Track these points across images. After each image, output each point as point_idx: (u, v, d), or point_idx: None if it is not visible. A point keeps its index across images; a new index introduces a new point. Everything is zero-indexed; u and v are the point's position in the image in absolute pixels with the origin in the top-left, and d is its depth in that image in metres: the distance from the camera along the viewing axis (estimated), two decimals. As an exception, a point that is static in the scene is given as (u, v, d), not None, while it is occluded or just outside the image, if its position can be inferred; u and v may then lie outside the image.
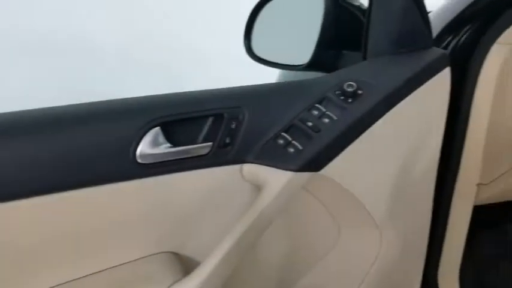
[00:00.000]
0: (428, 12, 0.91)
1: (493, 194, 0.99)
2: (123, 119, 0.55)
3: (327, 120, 0.62)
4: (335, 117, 0.62)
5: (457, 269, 1.07)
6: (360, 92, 0.64)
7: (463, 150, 0.91)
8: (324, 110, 0.63)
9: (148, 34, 2.49)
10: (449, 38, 0.87)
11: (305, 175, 0.60)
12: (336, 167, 0.64)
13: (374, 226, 0.75)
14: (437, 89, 0.73)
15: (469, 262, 1.31)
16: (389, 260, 0.78)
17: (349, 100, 0.64)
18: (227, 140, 0.58)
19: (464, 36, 0.85)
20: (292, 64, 0.83)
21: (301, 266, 0.78)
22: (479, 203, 1.04)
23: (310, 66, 0.80)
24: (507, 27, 0.80)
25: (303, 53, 0.80)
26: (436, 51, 0.71)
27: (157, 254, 0.60)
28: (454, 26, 0.85)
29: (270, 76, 1.21)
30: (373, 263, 0.76)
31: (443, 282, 1.05)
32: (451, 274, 1.07)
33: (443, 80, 0.73)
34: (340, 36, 0.80)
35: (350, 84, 0.64)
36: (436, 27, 0.88)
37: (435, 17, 0.89)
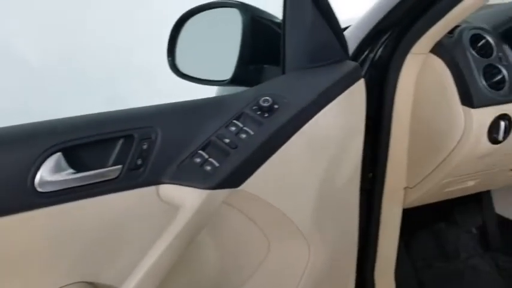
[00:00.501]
0: (347, 27, 0.95)
1: (419, 196, 1.03)
2: (19, 146, 0.52)
3: (244, 135, 0.62)
4: (252, 133, 0.62)
5: (392, 269, 1.11)
6: (276, 106, 0.65)
7: (388, 157, 0.95)
8: (241, 125, 0.63)
9: (90, 49, 2.41)
10: (367, 51, 0.91)
11: (223, 192, 0.60)
12: (257, 182, 0.64)
13: (302, 238, 0.76)
14: (353, 99, 0.75)
15: (406, 262, 1.37)
16: (319, 269, 0.79)
17: (266, 115, 0.64)
18: (138, 162, 0.56)
19: (381, 48, 0.89)
20: (216, 80, 0.83)
21: (233, 282, 0.78)
22: (408, 205, 1.08)
23: (233, 81, 0.80)
24: (419, 37, 0.84)
25: (226, 69, 0.80)
26: (350, 64, 0.74)
27: (70, 285, 0.57)
28: (371, 38, 0.89)
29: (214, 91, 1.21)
30: (302, 274, 0.77)
31: (380, 282, 1.08)
32: (387, 275, 1.10)
33: (358, 91, 0.75)
34: (261, 50, 0.81)
35: (266, 99, 0.65)
36: (355, 41, 0.91)
37: (353, 31, 0.92)
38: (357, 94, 0.75)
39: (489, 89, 0.86)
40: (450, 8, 0.78)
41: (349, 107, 0.75)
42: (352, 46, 0.91)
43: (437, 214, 1.49)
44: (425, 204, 1.18)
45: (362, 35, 0.90)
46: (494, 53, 0.89)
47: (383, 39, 0.89)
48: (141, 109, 0.59)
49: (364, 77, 0.92)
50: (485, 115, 0.85)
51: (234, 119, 0.64)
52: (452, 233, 1.47)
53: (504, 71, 0.88)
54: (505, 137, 0.87)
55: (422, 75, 0.90)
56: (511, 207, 1.47)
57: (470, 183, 1.05)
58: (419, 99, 0.91)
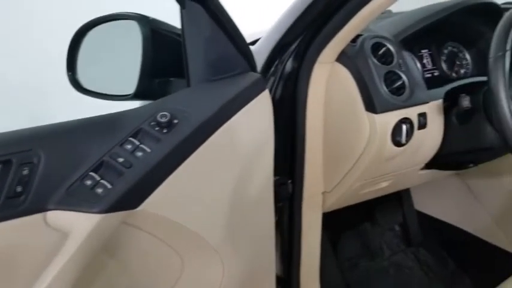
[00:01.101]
0: (257, 39, 0.96)
1: (337, 200, 1.06)
2: None
3: (140, 153, 0.60)
4: (149, 150, 0.60)
5: (317, 273, 1.12)
6: (175, 121, 0.64)
7: (304, 164, 0.96)
8: (137, 143, 0.61)
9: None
10: (277, 62, 0.92)
11: (118, 215, 0.57)
12: (159, 200, 0.62)
13: (214, 253, 0.75)
14: (259, 110, 0.75)
15: (333, 264, 1.40)
16: (235, 282, 0.79)
17: (165, 130, 0.63)
18: (18, 189, 0.52)
19: (290, 59, 0.91)
20: (120, 94, 0.80)
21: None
22: (327, 209, 1.11)
23: (138, 96, 0.78)
24: (324, 47, 0.86)
25: (130, 83, 0.78)
26: (253, 76, 0.74)
27: None
28: (279, 50, 0.90)
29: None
30: None
31: (306, 287, 1.09)
32: (313, 279, 1.12)
33: (263, 102, 0.76)
34: (165, 63, 0.79)
35: (163, 114, 0.63)
36: (265, 53, 0.92)
37: (263, 43, 0.93)
38: (262, 105, 0.76)
39: (390, 95, 0.90)
40: (349, 18, 0.80)
41: (255, 118, 0.75)
42: (262, 58, 0.92)
43: (363, 214, 1.55)
44: (351, 205, 1.22)
45: (270, 46, 0.91)
46: (395, 60, 0.93)
47: (290, 50, 0.90)
48: (21, 131, 0.55)
49: (276, 88, 0.94)
50: (388, 120, 0.89)
51: (131, 137, 0.62)
52: (376, 232, 1.53)
53: (404, 77, 0.92)
54: (407, 140, 0.91)
55: (329, 84, 0.93)
56: (429, 203, 1.55)
57: (384, 184, 1.10)
58: (329, 107, 0.94)
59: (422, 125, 0.94)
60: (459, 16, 1.05)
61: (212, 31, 0.68)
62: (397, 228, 1.57)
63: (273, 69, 0.92)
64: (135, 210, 0.59)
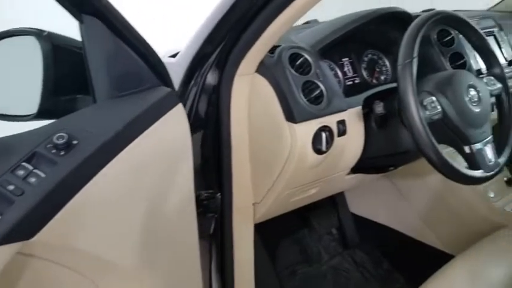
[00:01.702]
0: (176, 53, 0.94)
1: (268, 210, 1.05)
2: None
3: (33, 179, 0.56)
4: (43, 175, 0.56)
5: (251, 285, 1.11)
6: (74, 142, 0.60)
7: (232, 176, 0.95)
8: (31, 168, 0.57)
9: None
10: (196, 75, 0.90)
11: (9, 247, 0.53)
12: (59, 228, 0.58)
13: (132, 275, 0.71)
14: (172, 125, 0.73)
15: (271, 273, 1.39)
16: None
17: (62, 153, 0.59)
18: None
19: (209, 71, 0.89)
20: (22, 115, 0.75)
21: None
22: (259, 220, 1.10)
23: (42, 115, 0.73)
24: (242, 58, 0.86)
25: (33, 101, 0.73)
26: (162, 90, 0.72)
27: None
28: (198, 63, 0.89)
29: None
30: None
31: None
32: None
33: (176, 117, 0.74)
34: (70, 80, 0.75)
35: (60, 135, 0.59)
36: (184, 66, 0.90)
37: (182, 56, 0.91)
38: (175, 120, 0.74)
39: (309, 104, 0.91)
40: (263, 28, 0.80)
41: (169, 134, 0.73)
42: (182, 71, 0.90)
43: (300, 221, 1.56)
44: (288, 213, 1.23)
45: (189, 58, 0.89)
46: (313, 70, 0.95)
47: (210, 62, 0.89)
48: None
49: (198, 101, 0.92)
50: (308, 129, 0.90)
51: (24, 161, 0.57)
52: (314, 237, 1.55)
53: (322, 86, 0.94)
54: (328, 147, 0.92)
55: (251, 95, 0.92)
56: (363, 205, 1.59)
57: (313, 191, 1.11)
58: (252, 119, 0.94)
59: (342, 132, 0.95)
60: (375, 25, 1.09)
61: (114, 45, 0.66)
62: (334, 231, 1.60)
63: (193, 82, 0.91)
64: (30, 240, 0.55)
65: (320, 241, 1.54)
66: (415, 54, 0.88)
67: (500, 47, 1.31)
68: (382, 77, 1.19)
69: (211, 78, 0.89)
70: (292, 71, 0.92)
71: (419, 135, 0.84)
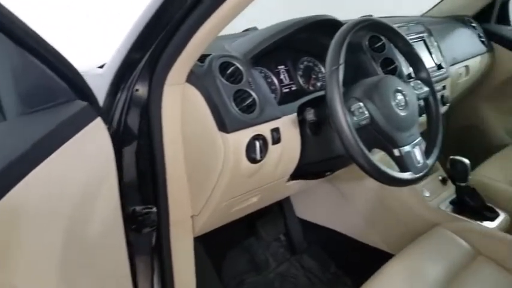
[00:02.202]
0: (103, 65, 0.91)
1: (207, 222, 1.03)
2: None
3: None
4: None
5: None
6: None
7: (167, 189, 0.93)
8: None
9: None
10: (123, 85, 0.87)
11: None
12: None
13: None
14: (91, 140, 0.70)
15: (217, 285, 1.37)
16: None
17: None
18: None
19: (138, 81, 0.87)
20: None
21: None
22: (200, 232, 1.08)
23: None
24: (169, 68, 0.84)
25: None
26: (78, 104, 0.69)
27: None
28: (123, 74, 0.86)
29: None
30: None
31: None
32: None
33: (95, 131, 0.71)
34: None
35: None
36: (109, 77, 0.87)
37: (107, 68, 0.88)
38: (94, 134, 0.71)
39: (241, 113, 0.90)
40: (189, 37, 0.79)
41: (89, 150, 0.70)
42: (107, 82, 0.87)
43: (247, 229, 1.55)
44: (235, 222, 1.21)
45: (115, 69, 0.86)
46: (244, 79, 0.94)
47: (136, 73, 0.86)
48: None
49: (126, 114, 0.89)
50: (241, 138, 0.89)
51: None
52: (261, 245, 1.54)
53: (254, 95, 0.93)
54: (262, 156, 0.92)
55: (183, 106, 0.90)
56: (309, 210, 1.61)
57: (254, 199, 1.10)
58: (185, 129, 0.92)
59: (276, 140, 0.95)
60: (308, 32, 1.10)
61: (22, 59, 0.62)
62: (282, 238, 1.60)
63: (119, 94, 0.88)
64: None
65: (268, 248, 1.54)
66: (341, 61, 0.90)
67: (429, 52, 1.37)
68: (319, 84, 1.20)
69: (139, 88, 0.87)
70: (223, 80, 0.91)
71: (347, 141, 0.85)
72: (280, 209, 1.59)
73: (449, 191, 1.33)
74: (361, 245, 1.44)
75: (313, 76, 1.19)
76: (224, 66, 0.93)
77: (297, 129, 1.02)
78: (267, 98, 0.96)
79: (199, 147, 0.94)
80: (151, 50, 0.83)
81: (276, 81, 1.11)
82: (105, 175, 0.73)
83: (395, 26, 1.32)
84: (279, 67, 1.14)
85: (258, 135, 0.92)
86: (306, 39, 1.14)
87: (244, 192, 1.02)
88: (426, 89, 1.05)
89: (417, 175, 0.95)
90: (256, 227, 1.53)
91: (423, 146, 0.99)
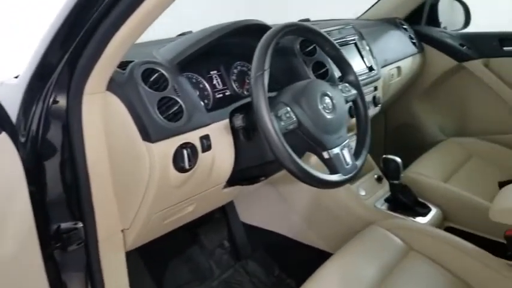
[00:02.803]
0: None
1: (140, 235, 1.00)
2: None
3: None
4: None
5: None
6: None
7: (93, 204, 0.88)
8: None
9: None
10: (38, 95, 0.82)
11: None
12: None
13: None
14: None
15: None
16: None
17: None
18: None
19: (54, 91, 0.82)
20: None
21: None
22: (132, 246, 1.04)
23: None
24: (87, 77, 0.79)
25: None
26: None
27: None
28: (39, 81, 0.81)
29: None
30: None
31: None
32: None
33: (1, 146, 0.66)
34: None
35: None
36: (20, 91, 0.82)
37: (24, 74, 0.83)
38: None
39: (166, 122, 0.87)
40: (104, 45, 0.75)
41: None
42: (21, 92, 0.82)
43: (189, 238, 1.52)
44: (176, 231, 1.18)
45: (27, 80, 0.81)
46: (170, 86, 0.91)
47: (52, 82, 0.81)
48: None
49: (44, 126, 0.84)
50: (166, 147, 0.87)
51: None
52: (205, 253, 1.52)
53: (180, 102, 0.91)
54: (191, 164, 0.90)
55: (105, 116, 0.86)
56: (252, 214, 1.60)
57: (190, 208, 1.08)
58: (109, 140, 0.88)
59: (206, 148, 0.93)
60: (238, 37, 1.09)
61: None
62: (226, 244, 1.58)
63: (35, 105, 0.82)
64: None
65: (212, 256, 1.52)
66: (266, 66, 0.89)
67: (361, 54, 1.40)
68: (253, 88, 1.20)
69: (58, 98, 0.82)
70: (146, 87, 0.88)
71: (275, 146, 0.85)
72: (224, 214, 1.57)
73: (385, 189, 1.37)
74: (303, 246, 1.45)
75: (247, 81, 1.18)
76: (148, 73, 0.90)
77: (230, 135, 1.00)
78: (195, 105, 0.94)
79: (125, 158, 0.90)
80: (68, 54, 0.78)
81: (208, 86, 1.09)
82: (15, 192, 0.68)
83: (327, 29, 1.35)
84: (212, 72, 1.12)
85: (186, 143, 0.89)
86: (238, 44, 1.13)
87: (177, 202, 0.99)
88: (354, 91, 1.07)
89: (346, 176, 0.96)
90: (199, 235, 1.50)
91: (352, 147, 1.01)
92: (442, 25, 1.96)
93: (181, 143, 0.88)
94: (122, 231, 0.99)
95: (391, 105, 1.95)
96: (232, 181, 1.10)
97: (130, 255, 1.04)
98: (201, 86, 1.08)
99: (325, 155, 0.96)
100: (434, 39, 1.84)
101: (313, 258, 1.18)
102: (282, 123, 0.89)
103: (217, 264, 1.50)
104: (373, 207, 1.31)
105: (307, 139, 0.94)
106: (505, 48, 1.73)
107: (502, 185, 1.18)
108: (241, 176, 1.09)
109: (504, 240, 1.16)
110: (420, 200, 1.31)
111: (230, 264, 1.53)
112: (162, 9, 0.73)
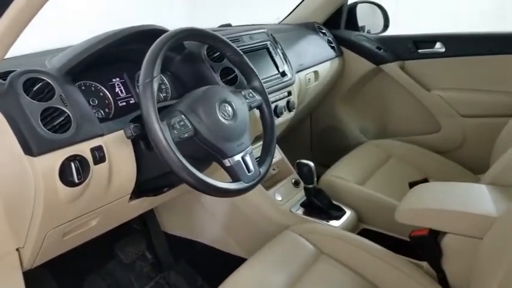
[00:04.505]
0: None
1: (37, 253, 0.95)
2: None
3: None
4: None
5: None
6: None
7: None
8: None
9: None
10: None
11: None
12: None
13: None
14: None
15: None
16: None
17: None
18: None
19: None
20: None
21: None
22: (32, 265, 0.98)
23: None
24: None
25: None
26: None
27: None
28: None
29: None
30: None
31: None
32: None
33: None
34: None
35: None
36: None
37: None
38: None
39: (50, 133, 0.82)
40: None
41: None
42: None
43: (107, 252, 1.46)
44: (93, 245, 1.11)
45: None
46: (56, 95, 0.86)
47: None
48: None
49: None
50: (51, 161, 0.81)
51: None
52: (124, 267, 1.46)
53: (68, 112, 0.86)
54: (81, 178, 0.85)
55: None
56: (175, 223, 1.55)
57: (93, 223, 1.03)
58: None
59: (99, 159, 0.89)
60: (136, 43, 1.05)
61: None
62: (148, 255, 1.53)
63: None
64: None
65: (131, 269, 1.46)
66: (156, 73, 0.87)
67: (273, 59, 1.40)
68: (162, 95, 1.16)
69: None
70: (27, 98, 0.82)
71: (165, 155, 0.83)
72: (144, 225, 1.52)
73: (302, 194, 1.38)
74: (223, 254, 1.42)
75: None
76: (31, 83, 0.84)
77: (129, 145, 0.96)
78: (85, 115, 0.89)
79: (10, 174, 0.84)
80: None
81: (109, 95, 1.05)
82: None
83: (237, 35, 1.34)
84: (114, 80, 1.08)
85: (74, 155, 0.84)
86: (138, 50, 1.09)
87: (73, 217, 0.94)
88: (259, 97, 1.06)
89: (248, 184, 0.95)
90: (116, 248, 1.44)
91: (254, 154, 1.00)
92: (366, 28, 2.00)
93: (68, 155, 0.83)
94: (17, 249, 0.92)
95: (316, 109, 1.97)
96: (138, 193, 1.06)
97: (38, 273, 0.98)
98: (101, 94, 1.03)
99: (226, 162, 0.94)
100: (353, 43, 1.88)
101: (234, 265, 1.16)
102: (175, 132, 0.86)
103: (138, 277, 1.45)
104: (289, 212, 1.31)
105: (206, 147, 0.92)
106: (419, 50, 1.78)
107: (411, 185, 1.21)
108: (147, 186, 1.06)
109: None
110: (335, 203, 1.33)
111: (151, 277, 1.47)
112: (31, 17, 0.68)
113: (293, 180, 1.43)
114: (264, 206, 1.31)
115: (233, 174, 0.94)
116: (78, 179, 0.84)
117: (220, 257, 1.42)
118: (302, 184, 1.41)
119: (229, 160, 0.94)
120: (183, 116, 0.89)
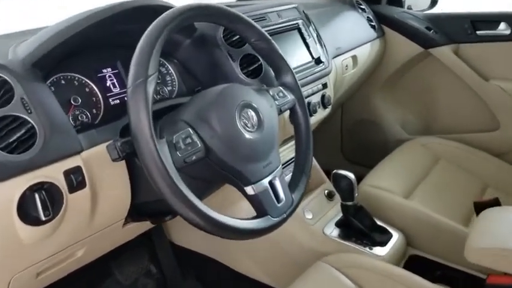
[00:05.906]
0: None
1: None
2: None
3: None
4: None
5: None
6: None
7: None
8: None
9: None
10: None
11: None
12: None
13: None
14: None
15: None
16: None
17: None
18: None
19: None
20: None
21: None
22: None
23: None
24: None
25: None
26: None
27: None
28: None
29: None
30: None
31: None
32: None
33: None
34: None
35: None
36: None
37: None
38: None
39: (5, 154, 0.59)
40: None
41: None
42: None
43: (105, 271, 1.26)
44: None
45: None
46: (15, 98, 0.62)
47: None
48: None
49: None
50: (6, 193, 0.59)
51: None
52: (126, 285, 1.26)
53: (32, 121, 0.62)
54: (50, 213, 0.62)
55: None
56: (184, 234, 1.34)
57: (79, 253, 0.81)
58: None
59: (77, 185, 0.66)
60: (132, 23, 0.79)
61: None
62: (153, 269, 1.33)
63: None
64: None
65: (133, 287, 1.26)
66: (151, 71, 0.62)
67: (306, 43, 1.13)
68: (167, 89, 0.92)
69: None
70: None
71: (161, 186, 0.60)
72: (149, 238, 1.31)
73: (337, 208, 1.13)
74: (240, 276, 1.20)
75: (158, 80, 0.89)
76: None
77: (121, 162, 0.72)
78: (58, 124, 0.65)
79: None
80: None
81: (97, 90, 0.81)
82: None
83: (262, 12, 1.07)
84: (104, 70, 0.83)
85: (41, 183, 0.61)
86: (138, 31, 0.84)
87: (46, 257, 0.72)
88: (291, 96, 0.81)
89: (277, 219, 0.71)
90: (116, 265, 1.24)
91: (286, 175, 0.76)
92: (406, 4, 1.73)
93: (31, 183, 0.60)
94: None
95: (348, 100, 1.71)
96: (134, 216, 0.84)
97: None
98: (86, 90, 0.79)
99: (249, 190, 0.70)
100: (397, 21, 1.60)
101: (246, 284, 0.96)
102: (179, 154, 0.62)
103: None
104: (322, 235, 1.06)
105: (221, 170, 0.68)
106: (478, 32, 1.51)
107: (477, 206, 0.97)
108: (142, 210, 0.83)
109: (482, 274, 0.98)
110: (379, 223, 1.08)
111: (155, 296, 1.28)
112: None
113: (326, 192, 1.18)
114: (291, 228, 1.06)
115: (258, 205, 0.70)
116: (45, 216, 0.62)
117: (236, 278, 1.20)
118: (337, 196, 1.16)
119: (252, 188, 0.69)
120: (189, 129, 0.65)
